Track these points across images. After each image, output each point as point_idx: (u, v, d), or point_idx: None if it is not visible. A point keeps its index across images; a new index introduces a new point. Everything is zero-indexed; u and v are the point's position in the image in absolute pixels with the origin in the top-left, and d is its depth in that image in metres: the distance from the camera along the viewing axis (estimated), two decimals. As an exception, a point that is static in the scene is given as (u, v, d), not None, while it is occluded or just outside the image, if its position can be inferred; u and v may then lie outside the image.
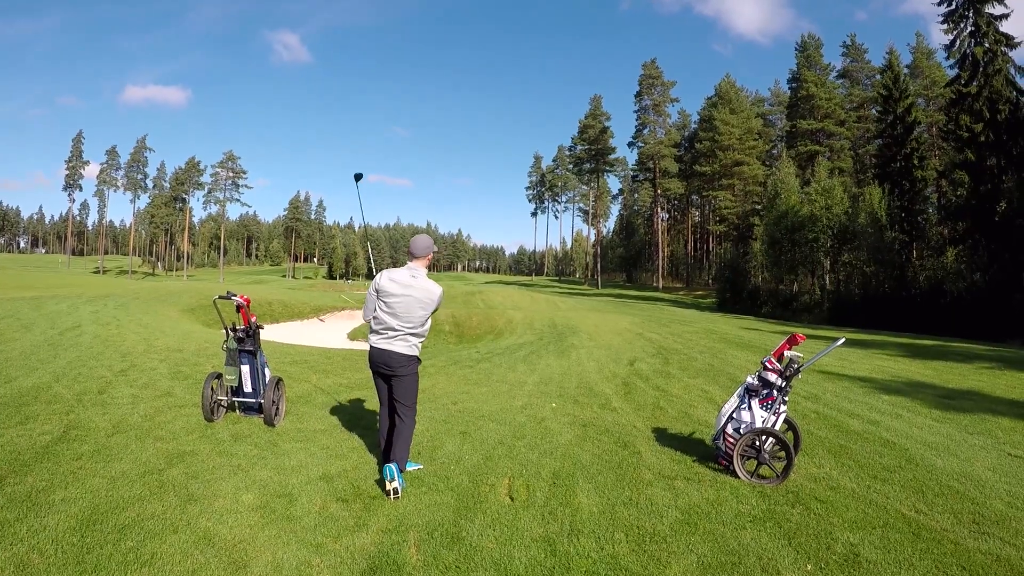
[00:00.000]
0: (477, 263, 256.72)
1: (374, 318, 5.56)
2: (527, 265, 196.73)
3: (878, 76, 60.15)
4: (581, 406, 8.75)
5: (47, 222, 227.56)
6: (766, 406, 5.87)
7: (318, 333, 23.87)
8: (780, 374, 5.92)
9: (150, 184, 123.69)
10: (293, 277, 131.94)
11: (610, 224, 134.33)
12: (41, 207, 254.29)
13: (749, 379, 6.08)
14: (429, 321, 5.71)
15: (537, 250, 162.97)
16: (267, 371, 7.39)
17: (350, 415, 7.85)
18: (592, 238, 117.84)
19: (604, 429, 7.41)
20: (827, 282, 49.47)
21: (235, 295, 7.13)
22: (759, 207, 72.64)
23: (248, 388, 7.23)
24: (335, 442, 6.56)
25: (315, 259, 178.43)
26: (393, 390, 5.61)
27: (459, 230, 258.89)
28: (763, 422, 5.80)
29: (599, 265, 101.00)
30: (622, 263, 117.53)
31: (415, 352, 5.61)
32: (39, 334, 13.41)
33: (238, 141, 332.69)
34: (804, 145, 75.21)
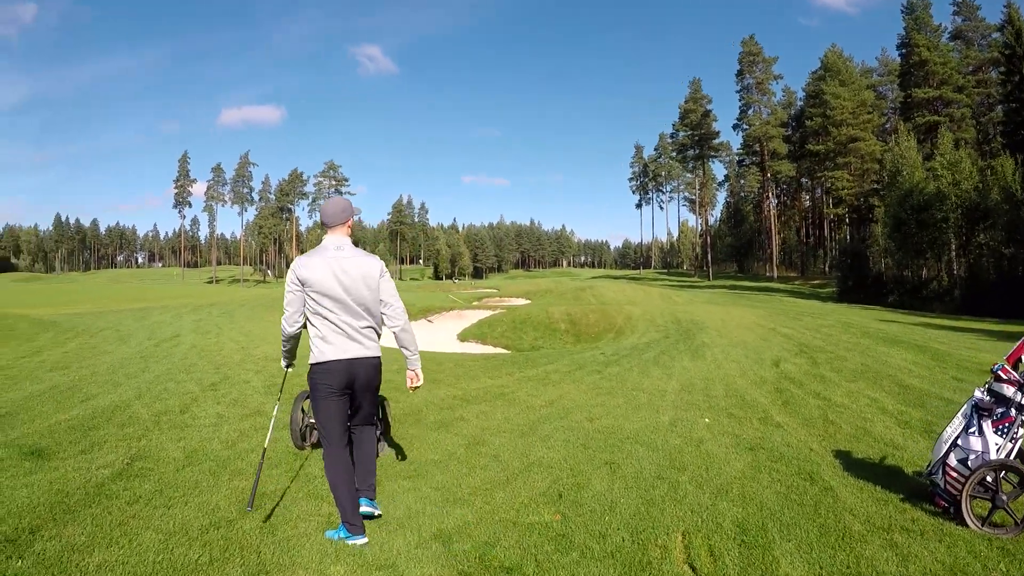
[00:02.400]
0: (582, 258, 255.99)
1: (310, 323, 4.35)
2: (632, 258, 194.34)
3: (995, 35, 55.05)
4: (738, 421, 7.54)
5: (162, 238, 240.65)
6: (1001, 430, 4.55)
7: (427, 335, 23.46)
8: (1020, 386, 4.56)
9: (256, 197, 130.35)
10: (400, 279, 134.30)
11: (716, 212, 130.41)
12: (156, 224, 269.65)
13: (977, 393, 4.73)
14: (390, 300, 4.46)
15: (643, 243, 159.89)
16: None
17: (469, 439, 6.75)
18: (699, 228, 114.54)
19: (776, 454, 6.17)
20: (957, 267, 45.33)
21: None
22: (878, 186, 67.97)
23: None
24: (452, 479, 5.42)
25: (420, 261, 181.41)
26: (360, 410, 4.51)
27: (563, 225, 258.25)
28: (998, 451, 4.49)
29: (709, 256, 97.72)
30: (732, 253, 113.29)
31: (379, 353, 4.47)
32: (134, 346, 13.04)
33: (335, 152, 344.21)
34: (921, 116, 68.19)
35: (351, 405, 4.45)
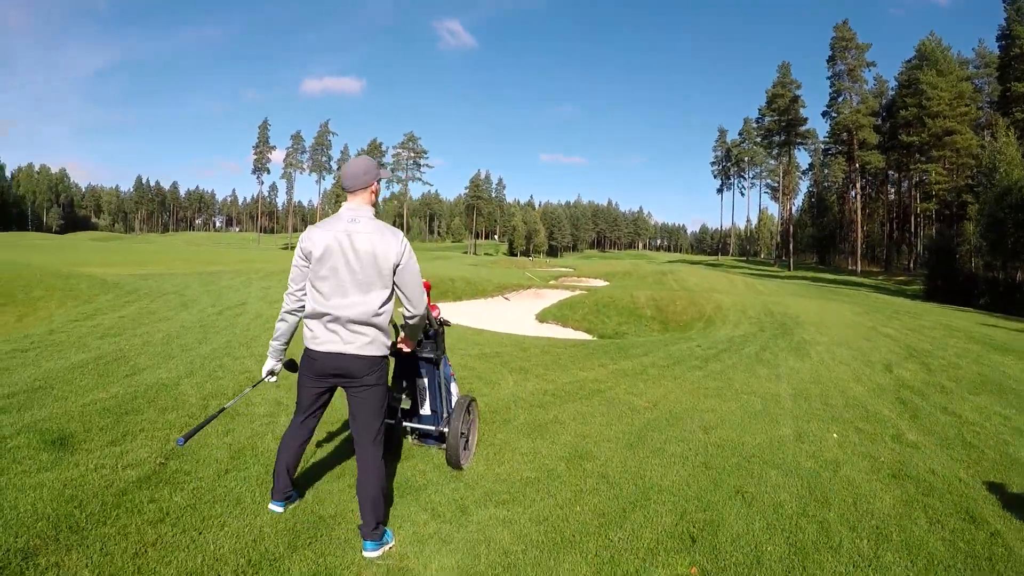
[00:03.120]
0: (658, 241, 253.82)
1: (301, 302, 3.78)
2: (709, 244, 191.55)
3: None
4: (869, 439, 6.88)
5: (240, 203, 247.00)
6: None
7: (505, 313, 23.17)
8: None
9: (334, 166, 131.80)
10: (474, 254, 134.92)
11: (797, 201, 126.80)
12: (234, 190, 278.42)
13: None
14: (410, 294, 3.78)
15: (721, 228, 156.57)
16: (454, 387, 5.38)
17: (568, 449, 5.78)
18: (780, 216, 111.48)
19: (925, 485, 5.50)
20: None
21: None
22: (972, 183, 64.60)
23: (426, 410, 5.22)
24: (556, 508, 4.47)
25: (495, 236, 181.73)
26: (355, 420, 3.80)
27: (640, 207, 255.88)
28: None
29: (791, 245, 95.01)
30: (813, 243, 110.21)
31: (382, 350, 3.73)
32: (196, 313, 12.34)
33: (413, 124, 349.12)
34: (1021, 111, 63.71)
35: (348, 409, 3.85)
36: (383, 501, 3.76)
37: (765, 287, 35.97)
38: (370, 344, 3.66)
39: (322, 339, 3.65)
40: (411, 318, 3.89)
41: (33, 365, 7.28)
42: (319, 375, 3.74)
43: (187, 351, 8.69)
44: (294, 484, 4.15)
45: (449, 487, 4.70)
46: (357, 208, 3.71)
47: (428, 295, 4.62)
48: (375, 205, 3.85)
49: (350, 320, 3.59)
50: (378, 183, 3.87)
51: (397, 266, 3.63)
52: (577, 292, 26.52)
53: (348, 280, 3.59)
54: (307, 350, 3.76)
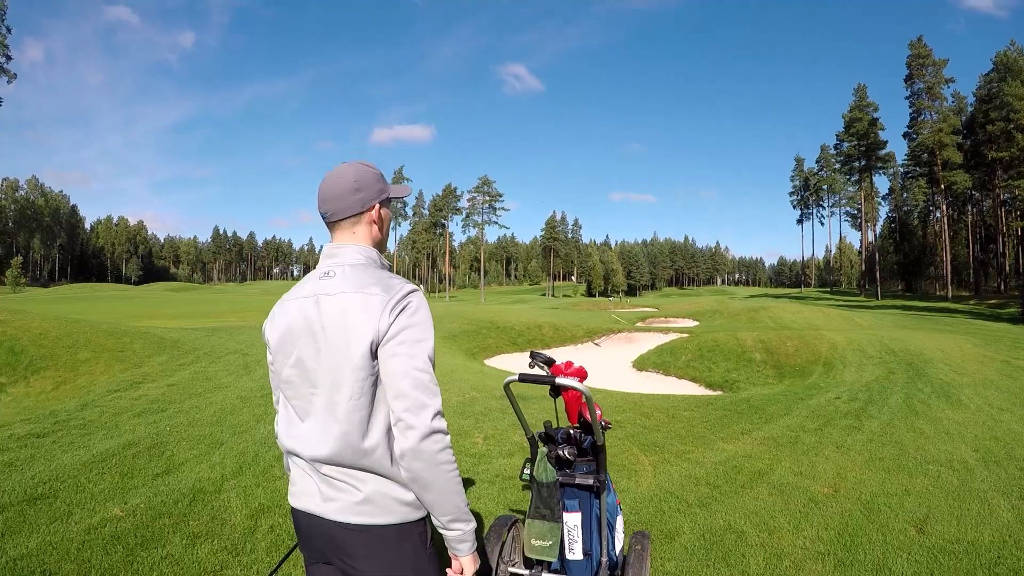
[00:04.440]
0: (736, 276, 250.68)
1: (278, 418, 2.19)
2: (788, 276, 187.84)
3: None
4: None
5: (317, 251, 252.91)
6: None
7: (598, 362, 22.45)
8: None
9: (410, 212, 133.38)
10: (552, 296, 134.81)
11: (877, 228, 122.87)
12: (311, 238, 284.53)
13: None
14: (398, 391, 1.88)
15: (803, 259, 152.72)
16: (619, 522, 3.55)
17: None
18: (861, 244, 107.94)
19: None
20: None
21: (543, 359, 3.63)
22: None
23: (576, 554, 3.27)
24: None
25: (573, 277, 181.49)
26: None
27: (716, 242, 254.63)
28: None
29: (877, 273, 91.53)
30: (898, 270, 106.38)
31: (392, 513, 1.93)
32: (259, 379, 11.01)
33: (485, 169, 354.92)
34: None
35: None
36: None
37: (863, 319, 34.22)
38: (365, 504, 1.92)
39: (299, 487, 2.06)
40: (406, 453, 1.86)
41: (45, 458, 6.21)
42: (308, 548, 2.09)
43: (240, 434, 7.46)
44: None
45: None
46: (338, 254, 2.09)
47: (587, 396, 3.03)
48: (379, 244, 2.20)
49: (323, 460, 1.95)
50: (383, 206, 2.19)
51: (378, 344, 1.89)
52: (672, 335, 25.56)
53: (317, 384, 1.97)
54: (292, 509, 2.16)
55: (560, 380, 3.01)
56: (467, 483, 6.07)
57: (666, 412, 10.12)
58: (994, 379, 13.16)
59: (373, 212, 2.15)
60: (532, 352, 3.70)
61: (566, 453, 3.29)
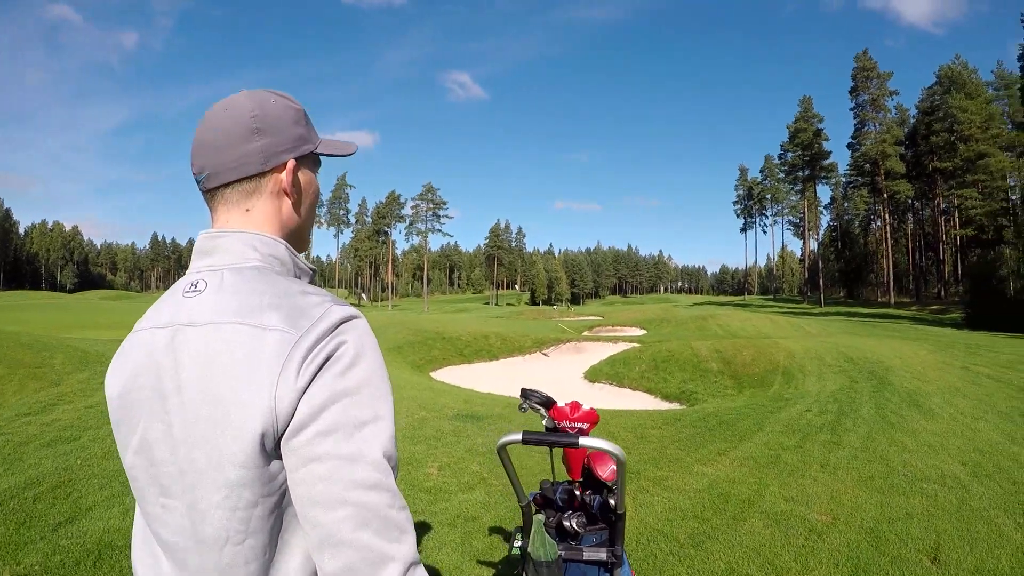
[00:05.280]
0: (679, 284, 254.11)
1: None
2: (730, 284, 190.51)
3: None
4: None
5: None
6: None
7: (547, 372, 21.67)
8: None
9: (352, 219, 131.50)
10: (496, 304, 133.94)
11: (820, 236, 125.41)
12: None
13: None
14: (324, 531, 0.91)
15: (745, 268, 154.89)
16: None
17: None
18: (804, 252, 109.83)
19: None
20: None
21: (540, 399, 2.64)
22: (1006, 205, 63.08)
23: None
24: None
25: (516, 286, 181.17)
26: None
27: (660, 251, 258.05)
28: None
29: (820, 281, 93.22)
30: (840, 277, 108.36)
31: None
32: None
33: (429, 176, 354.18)
34: None
35: None
36: None
37: (811, 327, 33.98)
38: None
39: None
40: None
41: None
42: None
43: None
44: None
45: None
46: (216, 248, 1.12)
47: (620, 467, 2.24)
48: (294, 233, 1.21)
49: None
50: (304, 166, 1.23)
51: (278, 433, 0.94)
52: (621, 344, 24.81)
53: (171, 494, 1.02)
54: None
55: (585, 441, 2.12)
56: (423, 527, 5.18)
57: (632, 431, 9.31)
58: (959, 386, 12.72)
59: (284, 174, 1.17)
60: (524, 391, 2.72)
61: (574, 525, 2.47)
